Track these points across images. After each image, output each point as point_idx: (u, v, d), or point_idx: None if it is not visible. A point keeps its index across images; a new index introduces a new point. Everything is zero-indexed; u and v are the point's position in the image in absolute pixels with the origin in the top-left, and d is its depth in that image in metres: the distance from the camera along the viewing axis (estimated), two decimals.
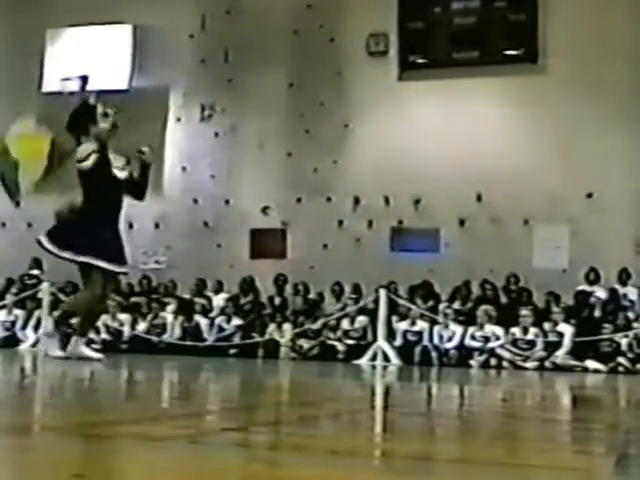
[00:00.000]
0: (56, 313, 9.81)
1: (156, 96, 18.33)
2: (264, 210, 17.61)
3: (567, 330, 13.98)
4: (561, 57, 16.16)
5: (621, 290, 14.99)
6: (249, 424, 3.58)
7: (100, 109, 8.83)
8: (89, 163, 8.54)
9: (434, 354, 14.29)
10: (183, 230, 18.01)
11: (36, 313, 16.33)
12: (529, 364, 13.76)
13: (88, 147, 8.60)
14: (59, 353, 9.06)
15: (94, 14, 18.31)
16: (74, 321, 9.65)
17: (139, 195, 9.05)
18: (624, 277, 15.07)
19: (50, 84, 18.50)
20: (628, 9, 15.94)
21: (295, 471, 2.31)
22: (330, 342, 15.06)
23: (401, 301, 15.09)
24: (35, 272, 17.60)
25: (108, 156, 8.58)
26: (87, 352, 9.02)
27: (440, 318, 14.75)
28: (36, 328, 16.19)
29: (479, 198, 16.39)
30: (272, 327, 15.53)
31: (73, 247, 8.49)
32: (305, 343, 15.19)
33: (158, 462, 2.36)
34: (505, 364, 13.89)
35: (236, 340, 15.54)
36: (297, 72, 17.63)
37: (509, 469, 2.50)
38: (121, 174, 8.75)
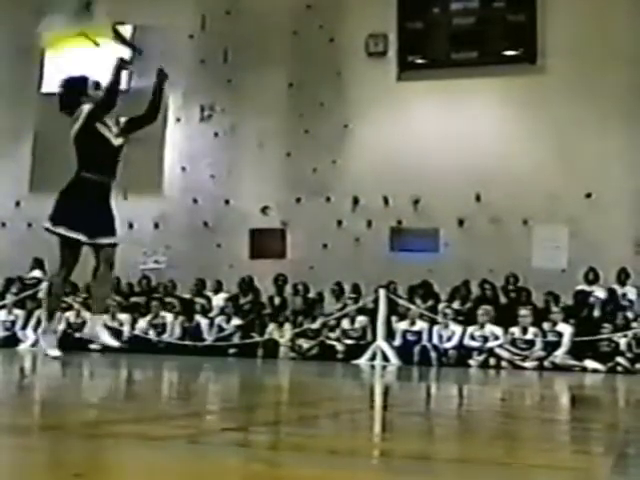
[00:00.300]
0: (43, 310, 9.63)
1: None
2: (264, 210, 17.61)
3: (566, 330, 13.97)
4: (560, 57, 16.16)
5: (620, 290, 14.99)
6: (249, 424, 3.58)
7: (91, 82, 8.76)
8: (80, 122, 8.49)
9: (433, 354, 14.27)
10: (183, 230, 18.01)
11: (36, 313, 16.32)
12: (528, 364, 13.75)
13: (83, 109, 8.53)
14: (57, 353, 8.96)
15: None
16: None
17: (153, 114, 8.82)
18: (623, 277, 15.07)
19: (49, 84, 18.49)
20: (627, 9, 15.94)
21: (295, 471, 2.32)
22: (329, 342, 15.05)
23: (400, 301, 15.09)
24: (36, 274, 17.59)
25: (100, 114, 8.47)
26: (104, 336, 8.66)
27: (439, 318, 14.75)
28: (36, 328, 16.18)
29: (478, 198, 16.39)
30: (272, 327, 15.52)
31: (55, 219, 8.36)
32: (305, 343, 15.19)
33: (158, 462, 2.37)
34: (504, 364, 13.89)
35: (235, 340, 15.54)
36: (297, 72, 17.63)
37: (508, 469, 2.50)
38: (116, 141, 8.61)
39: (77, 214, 8.27)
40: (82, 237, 8.22)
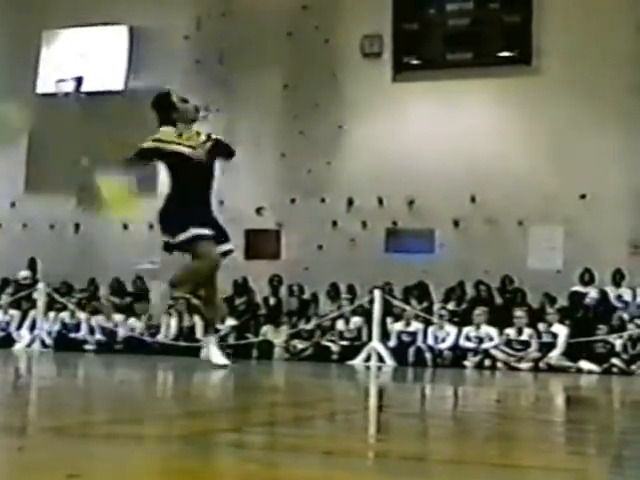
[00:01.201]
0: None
1: (151, 97, 18.25)
2: (258, 211, 17.60)
3: (561, 331, 13.98)
4: (555, 58, 16.17)
5: (615, 291, 14.99)
6: (244, 425, 3.58)
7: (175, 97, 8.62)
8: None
9: (428, 355, 14.27)
10: None
11: (31, 313, 16.33)
12: (523, 365, 13.75)
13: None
14: (224, 361, 8.33)
15: (90, 15, 18.28)
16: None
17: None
18: (618, 278, 15.08)
19: (45, 85, 18.49)
20: (621, 10, 15.95)
21: (290, 471, 2.31)
22: (324, 343, 15.04)
23: (396, 302, 15.08)
24: (23, 274, 17.56)
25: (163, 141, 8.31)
26: (214, 357, 7.91)
27: (435, 319, 14.75)
28: (31, 328, 16.18)
29: (473, 199, 16.39)
30: (266, 328, 15.51)
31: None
32: (299, 344, 15.18)
33: (153, 462, 2.36)
34: (499, 365, 13.89)
35: (230, 341, 15.52)
36: (292, 73, 17.61)
37: (503, 470, 2.50)
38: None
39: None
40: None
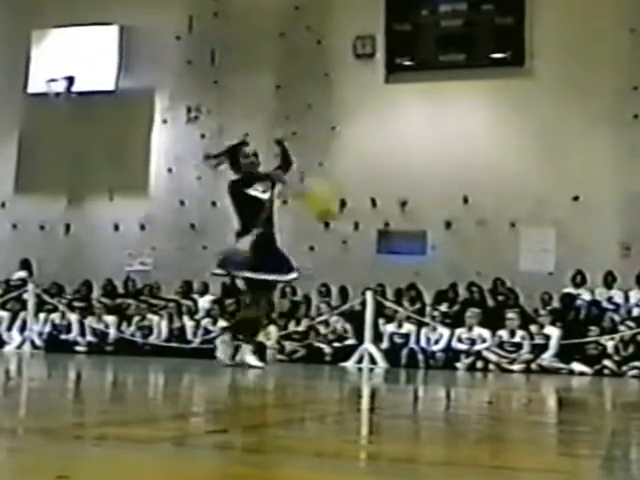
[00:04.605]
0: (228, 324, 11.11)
1: (142, 97, 18.29)
2: None
3: (553, 333, 14.00)
4: (547, 60, 16.19)
5: (607, 293, 15.02)
6: (234, 426, 3.56)
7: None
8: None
9: (421, 356, 14.27)
10: (169, 232, 17.96)
11: (21, 315, 16.27)
12: (515, 367, 13.77)
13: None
14: (227, 361, 9.95)
15: (80, 15, 18.26)
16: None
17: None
18: (610, 280, 15.10)
19: (36, 85, 18.44)
20: (614, 12, 15.97)
21: (281, 473, 2.30)
22: (316, 344, 15.03)
23: (388, 303, 15.08)
24: (21, 274, 17.52)
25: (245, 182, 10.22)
26: (251, 360, 9.92)
27: (427, 320, 14.75)
28: (21, 330, 16.13)
29: (465, 200, 16.39)
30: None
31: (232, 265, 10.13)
32: (291, 345, 15.16)
33: (143, 464, 2.34)
34: (491, 367, 13.90)
35: None
36: (284, 74, 17.60)
37: (495, 472, 2.49)
38: (263, 195, 10.31)
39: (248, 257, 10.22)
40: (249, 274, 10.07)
